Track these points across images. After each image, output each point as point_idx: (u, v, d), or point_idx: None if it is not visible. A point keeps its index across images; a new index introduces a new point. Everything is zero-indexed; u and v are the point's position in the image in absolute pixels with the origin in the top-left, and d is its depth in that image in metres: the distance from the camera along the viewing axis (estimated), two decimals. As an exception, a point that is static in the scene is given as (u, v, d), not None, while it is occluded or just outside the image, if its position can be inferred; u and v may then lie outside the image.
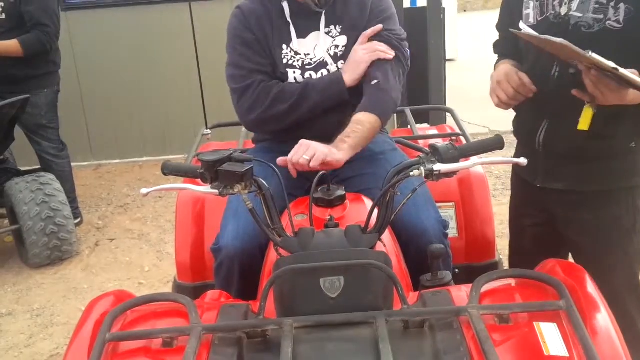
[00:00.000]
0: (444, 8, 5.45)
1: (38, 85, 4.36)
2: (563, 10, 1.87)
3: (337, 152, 1.90)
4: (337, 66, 2.17)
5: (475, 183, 2.51)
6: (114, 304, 1.58)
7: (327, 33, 2.19)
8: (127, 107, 6.02)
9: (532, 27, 1.89)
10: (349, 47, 2.17)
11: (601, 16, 1.80)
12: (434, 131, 3.05)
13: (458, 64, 8.89)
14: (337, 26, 2.19)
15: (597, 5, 1.80)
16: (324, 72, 2.17)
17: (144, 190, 1.68)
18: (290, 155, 1.86)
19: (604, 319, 1.41)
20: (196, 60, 4.63)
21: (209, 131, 3.04)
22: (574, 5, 1.84)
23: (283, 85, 2.14)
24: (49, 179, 4.16)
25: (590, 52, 1.57)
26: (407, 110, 3.05)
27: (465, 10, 16.05)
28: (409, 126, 2.99)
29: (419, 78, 4.89)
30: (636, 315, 2.06)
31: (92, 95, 6.00)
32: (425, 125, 4.26)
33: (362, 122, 2.02)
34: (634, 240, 2.01)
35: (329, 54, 2.18)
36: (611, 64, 1.57)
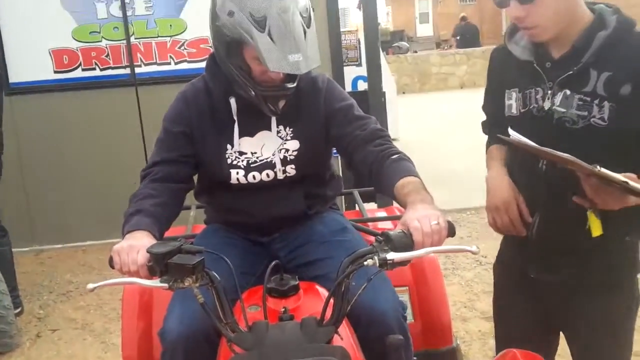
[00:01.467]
0: (384, 91, 5.62)
1: (-23, 171, 4.23)
2: (546, 105, 1.84)
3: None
4: (284, 169, 2.11)
5: (427, 266, 2.49)
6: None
7: (277, 133, 2.11)
8: (71, 190, 5.90)
9: (514, 118, 1.90)
10: (301, 152, 2.10)
11: (585, 113, 1.76)
12: (382, 213, 3.05)
13: (401, 144, 9.03)
14: (289, 128, 2.11)
15: (580, 102, 1.77)
16: (270, 173, 2.10)
17: (90, 286, 1.60)
18: (418, 227, 1.59)
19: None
20: (142, 143, 4.59)
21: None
22: (557, 100, 1.81)
23: (139, 205, 1.95)
24: (-13, 268, 3.98)
25: (598, 167, 1.54)
26: (355, 192, 3.05)
27: (403, 93, 16.60)
28: (357, 208, 2.98)
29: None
30: None
31: (35, 179, 5.87)
32: (373, 205, 4.28)
33: (411, 181, 1.86)
34: (628, 334, 1.98)
35: (279, 157, 2.10)
36: (621, 178, 1.53)
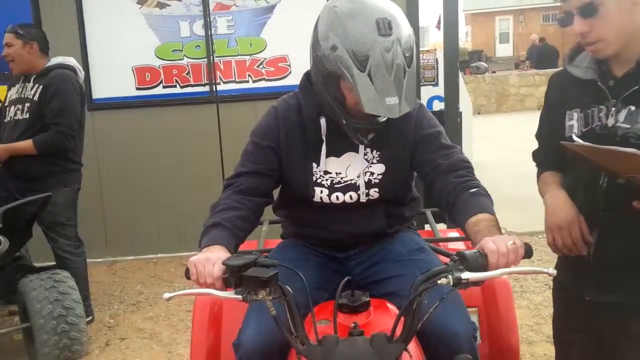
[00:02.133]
0: (460, 112, 5.56)
1: (58, 183, 4.39)
2: (610, 122, 1.84)
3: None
4: (367, 192, 2.11)
5: (498, 288, 2.46)
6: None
7: (364, 155, 2.10)
8: (146, 204, 6.08)
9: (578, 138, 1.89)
10: (387, 177, 2.11)
11: None
12: (454, 234, 3.02)
13: (475, 165, 8.92)
14: (376, 151, 2.10)
15: None
16: (353, 195, 2.10)
17: (166, 295, 1.65)
18: (494, 248, 1.59)
19: None
20: (220, 158, 4.68)
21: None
22: (621, 117, 1.82)
23: (218, 217, 1.97)
24: (63, 277, 4.12)
25: None
26: (428, 212, 3.04)
27: (479, 113, 16.38)
28: (429, 228, 2.96)
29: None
30: None
31: (111, 192, 6.07)
32: (443, 225, 4.24)
33: (484, 219, 1.84)
34: None
35: (363, 179, 2.10)
36: None
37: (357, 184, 2.10)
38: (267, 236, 2.84)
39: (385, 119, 1.95)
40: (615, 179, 1.81)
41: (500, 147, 10.87)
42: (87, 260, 4.79)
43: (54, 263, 4.46)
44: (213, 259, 1.69)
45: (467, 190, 1.94)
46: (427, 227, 3.05)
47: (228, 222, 1.96)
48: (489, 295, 2.45)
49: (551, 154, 2.09)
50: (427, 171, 2.08)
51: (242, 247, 2.15)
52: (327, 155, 2.10)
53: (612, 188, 1.85)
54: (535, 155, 2.21)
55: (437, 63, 6.69)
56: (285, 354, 1.88)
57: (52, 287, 3.98)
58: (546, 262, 4.88)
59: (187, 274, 1.73)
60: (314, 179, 2.11)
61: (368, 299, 1.85)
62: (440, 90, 5.77)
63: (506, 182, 6.68)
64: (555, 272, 1.57)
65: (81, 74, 4.53)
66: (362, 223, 2.16)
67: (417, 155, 2.11)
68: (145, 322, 4.76)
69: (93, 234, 5.81)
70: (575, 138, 1.85)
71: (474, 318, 2.40)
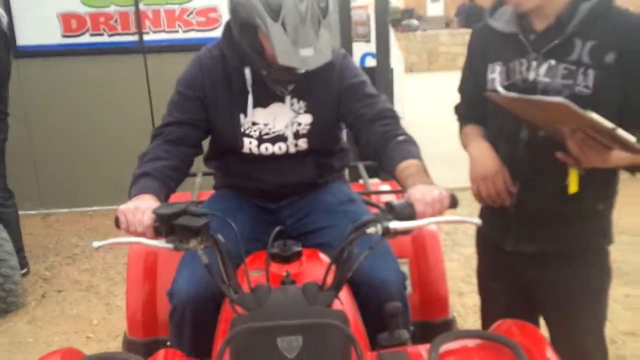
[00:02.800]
0: (392, 69, 5.59)
1: (-17, 133, 4.26)
2: (531, 76, 1.88)
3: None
4: (296, 143, 2.12)
5: (428, 239, 2.53)
6: (61, 364, 1.53)
7: (291, 105, 2.10)
8: (78, 155, 5.93)
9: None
10: (314, 127, 2.11)
11: (570, 82, 1.81)
12: (386, 186, 3.08)
13: (406, 122, 8.99)
14: (302, 101, 2.10)
15: (565, 71, 1.82)
16: (282, 146, 2.11)
17: (95, 244, 1.64)
18: (420, 197, 1.62)
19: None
20: (150, 110, 4.59)
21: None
22: (542, 71, 1.86)
23: (147, 167, 1.96)
24: (-5, 228, 4.03)
25: (589, 112, 1.57)
26: (360, 165, 3.08)
27: (411, 71, 16.47)
28: (362, 181, 3.01)
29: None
30: None
31: (42, 143, 5.90)
32: (376, 180, 4.31)
33: (412, 164, 1.87)
34: (601, 301, 2.04)
35: (291, 130, 2.11)
36: (609, 124, 1.57)
37: (285, 134, 2.11)
38: (200, 188, 2.83)
39: (304, 70, 1.94)
40: (536, 131, 1.86)
41: (431, 105, 10.99)
42: (20, 212, 4.68)
43: (-17, 214, 4.35)
44: (142, 207, 1.68)
45: (395, 139, 1.97)
46: (360, 181, 3.09)
47: (157, 172, 1.94)
48: (418, 247, 2.51)
49: (473, 107, 2.13)
50: (353, 121, 2.10)
51: (175, 199, 2.14)
52: (254, 106, 2.09)
53: (532, 141, 1.91)
54: (458, 108, 2.25)
55: (369, 19, 6.61)
56: (218, 302, 1.90)
57: (-17, 239, 3.90)
58: (474, 215, 5.02)
59: (117, 223, 1.71)
60: (242, 130, 2.11)
61: (300, 248, 1.88)
62: (372, 47, 5.76)
63: (436, 140, 6.77)
64: (480, 221, 1.62)
65: (4, 20, 4.33)
66: (291, 173, 2.17)
67: (342, 105, 2.12)
68: (82, 274, 4.70)
69: (25, 185, 5.67)
70: (500, 89, 1.89)
71: (405, 269, 2.46)
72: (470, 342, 1.61)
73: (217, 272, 1.62)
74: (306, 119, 2.12)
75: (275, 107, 2.11)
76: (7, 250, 3.97)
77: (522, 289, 2.09)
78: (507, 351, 1.49)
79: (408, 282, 2.45)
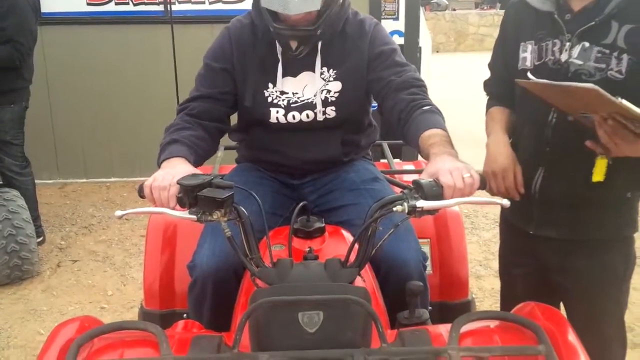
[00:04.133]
0: (420, 47, 5.51)
1: (5, 100, 4.26)
2: (563, 57, 1.83)
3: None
4: (324, 111, 2.09)
5: (450, 220, 2.50)
6: (79, 331, 1.52)
7: (321, 74, 2.08)
8: (97, 126, 5.94)
9: (529, 71, 1.88)
10: (343, 94, 2.09)
11: (603, 65, 1.76)
12: (410, 166, 3.04)
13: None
14: (332, 70, 2.08)
15: (599, 55, 1.77)
16: (310, 113, 2.09)
17: (118, 213, 1.63)
18: (450, 182, 1.56)
19: (583, 365, 1.40)
20: (175, 82, 4.56)
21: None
22: (575, 53, 1.80)
23: (175, 135, 1.95)
24: (13, 195, 4.04)
25: (619, 99, 1.52)
26: (384, 144, 3.05)
27: (437, 51, 16.33)
28: (386, 160, 2.98)
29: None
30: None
31: (61, 112, 5.91)
32: (398, 160, 4.28)
33: (437, 133, 1.83)
34: (623, 289, 2.01)
35: (320, 97, 2.08)
36: None
37: (314, 102, 2.08)
38: (221, 162, 2.82)
39: (311, 28, 1.95)
40: (565, 115, 1.82)
41: (457, 86, 10.90)
42: (37, 181, 4.71)
43: (1, 182, 4.36)
44: (169, 178, 1.66)
45: (420, 108, 1.94)
46: (383, 161, 3.06)
47: (185, 139, 1.93)
48: (441, 228, 2.48)
49: (502, 86, 2.09)
50: (379, 88, 2.07)
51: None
52: (283, 75, 2.07)
53: (561, 125, 1.87)
54: (487, 85, 2.21)
55: (398, -3, 6.54)
56: (239, 276, 1.89)
57: (1, 206, 3.92)
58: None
59: (141, 192, 1.70)
60: (270, 99, 2.08)
61: (323, 224, 1.86)
62: (400, 25, 5.69)
63: (463, 121, 6.71)
64: (508, 202, 1.59)
65: None
66: (317, 149, 2.15)
67: (371, 72, 2.09)
68: (97, 245, 4.73)
69: (43, 155, 5.70)
70: (530, 76, 1.84)
71: (426, 249, 2.44)
72: (491, 323, 1.59)
73: (240, 245, 1.60)
74: (336, 87, 2.09)
75: (305, 76, 2.08)
76: (24, 218, 3.99)
77: (543, 274, 2.06)
78: (529, 333, 1.46)
79: (428, 263, 2.42)
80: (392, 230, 1.61)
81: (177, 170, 1.69)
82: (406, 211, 1.53)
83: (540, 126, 1.92)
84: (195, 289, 1.95)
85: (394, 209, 1.54)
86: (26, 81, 4.39)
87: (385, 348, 1.41)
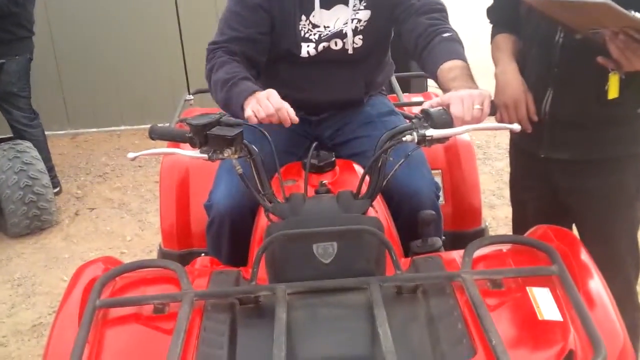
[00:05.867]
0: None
1: (9, 51, 4.25)
2: None
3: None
4: (353, 40, 2.05)
5: (462, 150, 2.51)
6: (102, 271, 1.56)
7: (353, 7, 2.03)
8: (105, 74, 5.89)
9: None
10: (371, 23, 2.04)
11: None
12: (419, 98, 3.03)
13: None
14: (363, 1, 2.03)
15: None
16: (339, 42, 2.04)
17: (130, 155, 1.64)
18: (460, 113, 1.56)
19: (596, 284, 1.42)
20: (178, 25, 4.49)
21: (191, 97, 3.00)
22: None
23: (224, 74, 1.91)
24: (26, 147, 4.08)
25: (633, 12, 1.48)
26: (393, 77, 3.02)
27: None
28: (395, 94, 2.96)
29: (400, 46, 4.85)
30: (634, 283, 2.08)
31: (68, 63, 5.86)
32: (406, 93, 4.25)
33: (459, 66, 1.82)
34: (636, 207, 2.01)
35: (350, 27, 2.03)
36: None
37: (344, 31, 2.04)
38: None
39: None
40: (573, 34, 1.79)
41: (466, 18, 10.69)
42: (49, 133, 4.74)
43: (12, 135, 4.39)
44: (275, 96, 1.72)
45: (440, 35, 1.90)
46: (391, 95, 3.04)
47: (243, 72, 1.91)
48: (452, 158, 2.49)
49: (506, 10, 2.04)
50: (400, 12, 2.02)
51: (205, 112, 2.12)
52: (320, 7, 2.02)
53: (568, 44, 1.84)
54: (490, 12, 2.16)
55: None
56: (255, 213, 1.91)
57: (16, 158, 3.96)
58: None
59: (152, 135, 1.71)
60: (302, 33, 2.04)
61: (333, 158, 1.87)
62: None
63: (474, 52, 6.67)
64: (519, 127, 1.59)
65: None
66: (341, 87, 2.12)
67: None
68: (113, 192, 4.78)
69: (52, 106, 5.70)
70: None
71: (438, 179, 2.45)
72: (504, 247, 1.61)
73: (253, 182, 1.62)
74: (364, 15, 2.04)
75: (338, 9, 2.04)
76: (39, 169, 4.03)
77: (555, 197, 2.07)
78: (542, 255, 1.48)
79: (441, 193, 2.44)
80: (402, 160, 1.62)
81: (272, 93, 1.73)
82: (415, 140, 1.54)
83: (547, 47, 1.89)
84: (213, 227, 1.98)
85: (404, 139, 1.54)
86: (28, 31, 4.37)
87: (399, 275, 1.44)
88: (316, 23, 2.04)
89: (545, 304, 1.35)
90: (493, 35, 2.12)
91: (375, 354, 1.26)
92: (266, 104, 1.70)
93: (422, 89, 4.60)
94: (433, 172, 2.38)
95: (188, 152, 1.63)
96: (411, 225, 1.83)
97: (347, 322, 1.36)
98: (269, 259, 1.50)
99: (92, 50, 5.82)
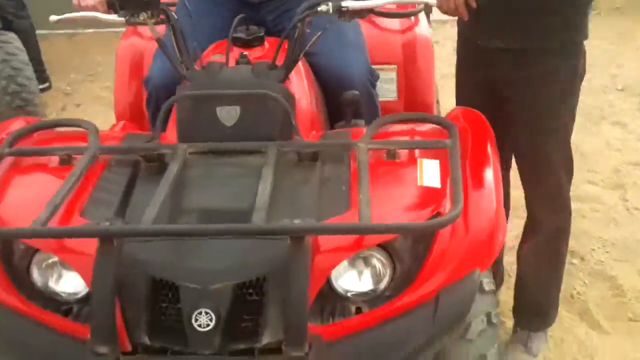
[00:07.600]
0: None
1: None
2: None
3: None
4: None
5: (419, 46, 2.47)
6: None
7: None
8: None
9: None
10: None
11: None
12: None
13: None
14: None
15: None
16: None
17: (53, 18, 1.66)
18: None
19: (485, 160, 1.44)
20: None
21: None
22: None
23: None
24: (9, 37, 4.05)
25: None
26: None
27: None
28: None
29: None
30: (564, 182, 2.08)
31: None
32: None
33: None
34: (568, 104, 2.00)
35: None
36: None
37: None
38: None
39: None
40: None
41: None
42: (46, 31, 4.68)
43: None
44: None
45: None
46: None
47: None
48: (409, 54, 2.46)
49: None
50: None
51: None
52: None
53: None
54: None
55: None
56: None
57: (-1, 48, 3.96)
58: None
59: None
60: None
61: (262, 34, 1.87)
62: None
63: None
64: (435, 1, 1.57)
65: None
66: None
67: None
68: (103, 90, 4.77)
69: (50, 4, 5.65)
70: None
71: (392, 75, 2.43)
72: (417, 126, 1.62)
73: (173, 49, 1.64)
74: None
75: None
76: (21, 60, 4.01)
77: (493, 88, 2.06)
78: (444, 131, 1.50)
79: (395, 89, 2.43)
80: (320, 33, 1.61)
81: None
82: (331, 11, 1.53)
83: None
84: (151, 102, 2.03)
85: (319, 9, 1.54)
86: None
87: (299, 141, 1.47)
88: None
89: (429, 173, 1.38)
90: None
91: (252, 209, 1.30)
92: None
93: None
94: (387, 67, 2.38)
95: (106, 16, 1.66)
96: (340, 105, 1.84)
97: (238, 181, 1.40)
98: (177, 120, 1.54)
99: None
